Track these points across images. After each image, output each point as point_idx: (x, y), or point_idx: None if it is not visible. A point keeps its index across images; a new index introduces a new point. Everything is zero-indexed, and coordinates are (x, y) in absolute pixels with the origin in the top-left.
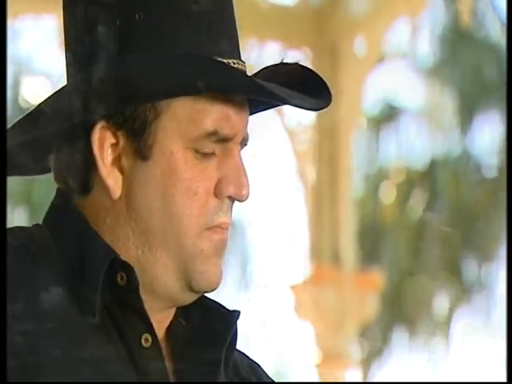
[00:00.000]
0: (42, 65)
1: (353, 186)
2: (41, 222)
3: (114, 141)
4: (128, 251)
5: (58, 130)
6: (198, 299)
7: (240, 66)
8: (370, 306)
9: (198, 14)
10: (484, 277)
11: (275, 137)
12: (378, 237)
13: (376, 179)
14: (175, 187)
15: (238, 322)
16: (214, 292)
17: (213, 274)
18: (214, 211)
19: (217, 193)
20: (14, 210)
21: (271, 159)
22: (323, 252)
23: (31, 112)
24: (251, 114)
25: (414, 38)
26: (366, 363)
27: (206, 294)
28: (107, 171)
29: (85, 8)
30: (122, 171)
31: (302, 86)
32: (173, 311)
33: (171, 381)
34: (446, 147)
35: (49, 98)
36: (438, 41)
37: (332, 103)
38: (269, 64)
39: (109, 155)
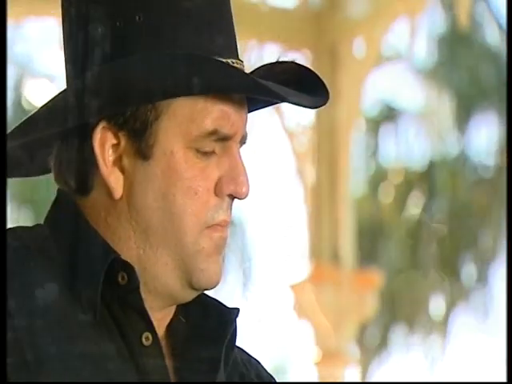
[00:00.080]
0: (44, 67)
1: (352, 186)
2: (43, 222)
3: (115, 141)
4: (129, 250)
5: (59, 131)
6: (198, 297)
7: (239, 65)
8: (369, 304)
9: (196, 13)
10: (481, 276)
11: (275, 137)
12: (377, 236)
13: (375, 179)
14: (176, 186)
15: (238, 319)
16: (214, 290)
17: (213, 271)
18: (214, 210)
19: (217, 191)
20: (19, 209)
21: (271, 160)
22: (322, 251)
23: (32, 115)
24: (249, 111)
25: (412, 40)
26: (365, 361)
27: (206, 292)
28: (108, 171)
29: (84, 10)
30: (123, 171)
31: (299, 84)
32: (173, 309)
33: (171, 379)
34: (444, 148)
35: (50, 100)
36: (436, 43)
37: (331, 104)
38: None
39: (110, 155)
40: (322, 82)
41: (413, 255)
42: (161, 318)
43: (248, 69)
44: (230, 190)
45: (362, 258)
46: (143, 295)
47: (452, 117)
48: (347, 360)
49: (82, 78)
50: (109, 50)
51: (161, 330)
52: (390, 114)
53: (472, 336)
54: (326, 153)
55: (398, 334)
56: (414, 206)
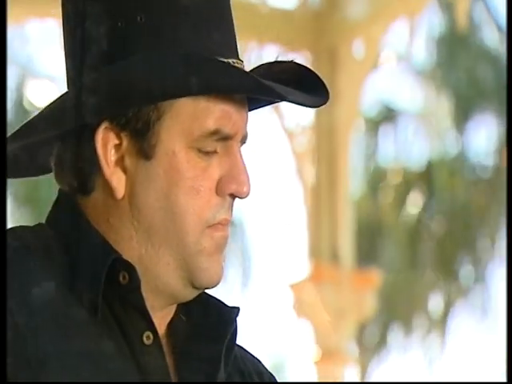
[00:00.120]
0: (45, 67)
1: (351, 186)
2: (44, 221)
3: (117, 141)
4: (131, 250)
5: (61, 132)
6: (199, 295)
7: (239, 65)
8: (368, 304)
9: (197, 14)
10: (479, 275)
11: (274, 138)
12: (376, 236)
13: (374, 180)
14: (178, 186)
15: (238, 318)
16: (214, 289)
17: (214, 270)
18: (216, 209)
19: (218, 191)
20: (19, 209)
21: (270, 160)
22: (322, 251)
23: (34, 117)
24: (249, 110)
25: (411, 41)
26: (364, 360)
27: (207, 291)
28: (111, 171)
29: (85, 10)
30: (125, 171)
31: (299, 84)
32: (174, 308)
33: (172, 378)
34: (443, 148)
35: (52, 102)
36: (435, 44)
37: (331, 104)
38: None
39: (112, 156)
40: (322, 82)
41: (412, 255)
42: (162, 316)
43: (247, 69)
44: (231, 189)
45: (361, 257)
46: (145, 294)
47: (450, 117)
48: (346, 359)
49: (85, 80)
50: (110, 50)
51: (161, 328)
52: (389, 115)
53: (470, 335)
54: (325, 153)
55: (396, 333)
56: (413, 206)
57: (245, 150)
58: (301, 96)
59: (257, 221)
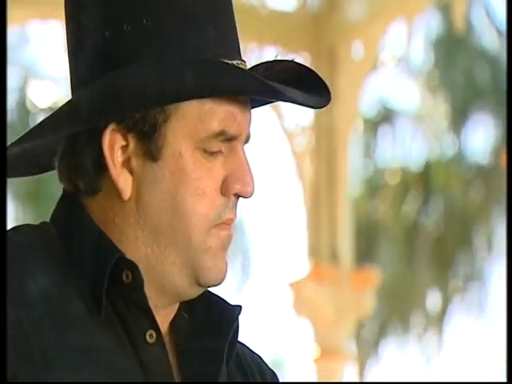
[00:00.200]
0: (48, 69)
1: (350, 186)
2: (48, 220)
3: (124, 143)
4: (137, 250)
5: (68, 134)
6: (202, 293)
7: (243, 66)
8: (367, 302)
9: (201, 16)
10: (476, 274)
11: (274, 138)
12: (375, 236)
13: (372, 180)
14: (184, 187)
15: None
16: (213, 288)
17: (219, 268)
18: (221, 209)
19: (223, 191)
20: (19, 209)
21: (270, 160)
22: (321, 250)
23: (41, 121)
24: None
25: (409, 42)
26: (363, 358)
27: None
28: (118, 173)
29: (90, 14)
30: (131, 172)
31: (300, 83)
32: (177, 306)
33: (174, 375)
34: (440, 149)
35: (59, 108)
36: (433, 45)
37: (330, 105)
38: None
39: (119, 157)
40: (323, 82)
41: (409, 254)
42: (165, 314)
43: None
44: (235, 189)
45: (360, 256)
46: (149, 293)
47: (448, 118)
48: (345, 357)
49: (91, 83)
50: (117, 53)
51: (164, 326)
52: (387, 116)
53: (468, 333)
54: (324, 153)
55: (394, 331)
56: (411, 206)
57: (245, 150)
58: (303, 96)
59: (257, 220)
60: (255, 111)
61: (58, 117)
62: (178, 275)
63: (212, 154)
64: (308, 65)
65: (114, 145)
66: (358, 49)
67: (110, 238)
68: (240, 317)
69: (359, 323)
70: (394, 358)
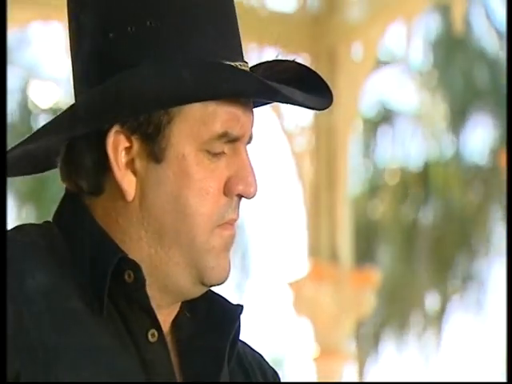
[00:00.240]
0: (49, 70)
1: (350, 186)
2: (51, 219)
3: (128, 144)
4: (140, 250)
5: (71, 136)
6: (204, 293)
7: (245, 67)
8: (366, 302)
9: (203, 17)
10: (475, 273)
11: (274, 138)
12: (374, 235)
13: (372, 180)
14: (188, 188)
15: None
16: (213, 288)
17: (223, 268)
18: (224, 209)
19: (226, 191)
20: (20, 208)
21: (270, 160)
22: (321, 250)
23: (47, 122)
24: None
25: (408, 43)
26: (362, 357)
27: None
28: (122, 174)
29: (92, 14)
30: (135, 174)
31: (301, 84)
32: (179, 305)
33: (176, 374)
34: (439, 149)
35: (65, 110)
36: (432, 46)
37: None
38: None
39: (123, 158)
40: (325, 82)
41: (409, 253)
42: (167, 313)
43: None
44: (238, 190)
45: (360, 256)
46: (153, 293)
47: (447, 119)
48: (345, 356)
49: (94, 86)
50: (120, 55)
51: (166, 325)
52: (386, 116)
53: (466, 332)
54: (324, 153)
55: (394, 331)
56: (410, 206)
57: (248, 151)
58: (305, 97)
59: (256, 220)
60: (255, 111)
61: (61, 120)
62: (181, 275)
63: (215, 155)
64: (308, 66)
65: (118, 146)
66: (357, 49)
67: (113, 238)
68: (241, 316)
69: (359, 322)
70: (393, 357)
